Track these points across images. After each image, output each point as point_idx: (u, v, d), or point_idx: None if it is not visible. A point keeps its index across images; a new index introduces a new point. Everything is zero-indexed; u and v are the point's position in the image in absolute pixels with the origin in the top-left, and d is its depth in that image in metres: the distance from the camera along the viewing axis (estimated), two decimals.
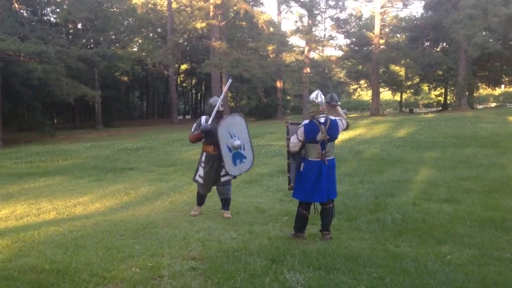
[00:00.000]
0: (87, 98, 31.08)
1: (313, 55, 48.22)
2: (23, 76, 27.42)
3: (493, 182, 7.82)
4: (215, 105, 6.01)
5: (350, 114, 42.06)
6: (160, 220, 5.82)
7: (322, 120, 4.84)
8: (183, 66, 53.12)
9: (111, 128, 36.56)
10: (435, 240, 4.83)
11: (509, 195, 6.85)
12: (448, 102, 43.90)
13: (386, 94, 59.53)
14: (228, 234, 5.10)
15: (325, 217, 5.02)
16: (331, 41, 48.38)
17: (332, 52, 71.14)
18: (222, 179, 6.07)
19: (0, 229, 5.62)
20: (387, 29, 43.89)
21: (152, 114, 56.65)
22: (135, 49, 40.24)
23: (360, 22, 47.61)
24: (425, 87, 51.07)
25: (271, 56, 35.98)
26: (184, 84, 59.64)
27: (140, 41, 42.33)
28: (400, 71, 50.03)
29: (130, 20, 42.42)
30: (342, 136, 13.65)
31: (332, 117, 4.94)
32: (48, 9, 38.84)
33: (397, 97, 56.07)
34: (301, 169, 4.93)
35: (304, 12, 43.63)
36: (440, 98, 49.98)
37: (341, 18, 47.29)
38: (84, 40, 36.16)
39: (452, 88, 40.88)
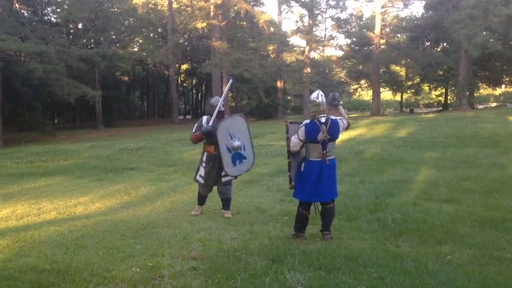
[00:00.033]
0: (87, 98, 31.11)
1: (314, 55, 48.25)
2: (24, 76, 27.45)
3: (494, 182, 7.82)
4: (216, 105, 6.00)
5: (351, 114, 42.03)
6: (161, 220, 5.82)
7: (323, 120, 4.84)
8: (184, 66, 53.15)
9: (112, 128, 36.56)
10: (436, 240, 4.83)
11: (510, 195, 6.85)
12: (449, 102, 43.88)
13: (386, 94, 59.54)
14: (228, 234, 5.10)
15: (325, 217, 5.02)
16: (331, 41, 48.40)
17: (332, 52, 71.37)
18: (223, 179, 6.06)
19: (0, 229, 5.63)
20: (387, 29, 43.90)
21: (153, 114, 56.68)
22: (136, 49, 40.28)
23: (361, 22, 47.63)
24: (425, 87, 51.09)
25: (272, 56, 35.98)
26: (184, 84, 59.68)
27: (140, 41, 42.37)
28: (401, 71, 50.06)
29: (131, 20, 42.43)
30: (343, 136, 13.65)
31: (333, 117, 4.94)
32: (49, 9, 38.88)
33: (398, 97, 56.10)
34: (302, 169, 4.93)
35: (304, 12, 43.69)
36: (440, 98, 49.99)
37: (341, 18, 47.37)
38: (84, 40, 36.15)
39: (453, 88, 40.86)
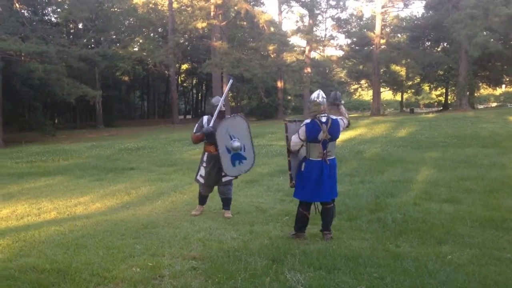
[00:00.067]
0: (88, 98, 31.10)
1: (314, 55, 48.27)
2: (24, 76, 27.45)
3: (494, 182, 7.81)
4: (217, 105, 5.98)
5: (351, 114, 42.00)
6: (161, 220, 5.82)
7: (323, 119, 4.84)
8: (184, 66, 53.15)
9: (112, 128, 36.57)
10: (436, 240, 4.82)
11: (510, 195, 6.84)
12: (449, 102, 43.88)
13: (386, 94, 59.55)
14: (228, 234, 5.10)
15: (325, 217, 5.01)
16: (332, 41, 48.43)
17: (333, 52, 71.47)
18: (224, 179, 6.05)
19: (1, 228, 5.63)
20: (388, 29, 43.90)
21: (153, 114, 56.67)
22: (136, 49, 40.29)
23: (361, 22, 47.64)
24: (425, 87, 51.10)
25: (272, 56, 35.98)
26: (185, 84, 59.69)
27: (141, 41, 42.38)
28: (401, 71, 50.06)
29: (131, 20, 42.45)
30: (343, 136, 13.65)
31: (334, 117, 4.94)
32: (49, 9, 38.86)
33: (398, 97, 56.13)
34: (302, 168, 4.93)
35: (305, 12, 43.71)
36: (441, 98, 50.00)
37: (342, 18, 47.40)
38: (85, 40, 36.16)
39: (453, 88, 40.86)
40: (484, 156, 11.03)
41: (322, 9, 46.37)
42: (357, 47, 45.76)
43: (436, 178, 8.48)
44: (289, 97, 49.16)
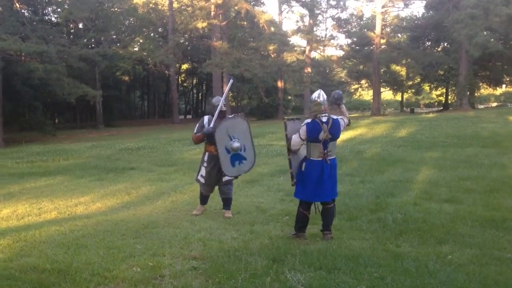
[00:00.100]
0: (88, 98, 31.11)
1: (314, 54, 48.27)
2: (24, 75, 27.45)
3: (494, 182, 7.81)
4: (218, 105, 5.97)
5: (351, 114, 41.75)
6: (161, 219, 5.82)
7: (324, 119, 4.84)
8: (184, 66, 53.15)
9: (112, 127, 36.56)
10: (436, 240, 4.82)
11: (510, 195, 6.84)
12: (449, 102, 43.87)
13: (387, 94, 59.54)
14: (229, 233, 5.10)
15: (326, 217, 5.01)
16: (332, 41, 48.44)
17: (333, 52, 71.47)
18: (224, 179, 6.05)
19: (1, 228, 5.63)
20: (388, 29, 43.89)
21: (153, 114, 56.69)
22: (136, 49, 40.31)
23: (361, 22, 47.65)
24: (426, 87, 51.09)
25: (272, 55, 35.99)
26: (185, 84, 59.69)
27: (141, 40, 42.38)
28: (401, 70, 50.05)
29: (131, 19, 42.46)
30: (343, 136, 13.64)
31: (334, 116, 4.94)
32: (49, 8, 38.84)
33: (398, 97, 56.12)
34: (303, 168, 4.93)
35: (305, 11, 43.72)
36: (441, 98, 49.99)
37: (342, 18, 47.43)
38: (85, 40, 36.16)
39: (453, 88, 40.85)
40: (484, 156, 11.02)
41: (323, 9, 46.39)
42: (357, 47, 45.76)
43: (437, 178, 8.47)
44: (290, 97, 49.14)
